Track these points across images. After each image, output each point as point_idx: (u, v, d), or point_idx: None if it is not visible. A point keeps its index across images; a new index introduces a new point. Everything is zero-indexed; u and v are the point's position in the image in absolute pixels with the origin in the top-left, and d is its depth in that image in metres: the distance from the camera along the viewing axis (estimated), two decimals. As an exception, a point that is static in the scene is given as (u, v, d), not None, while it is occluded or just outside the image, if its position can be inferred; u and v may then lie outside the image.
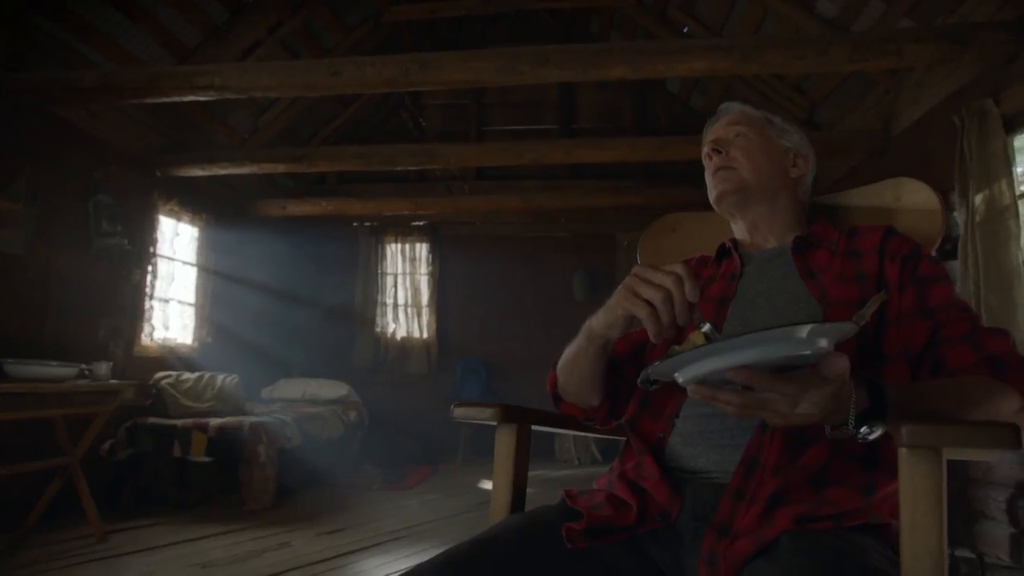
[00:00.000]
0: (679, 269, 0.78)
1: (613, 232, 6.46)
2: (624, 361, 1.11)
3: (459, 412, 1.08)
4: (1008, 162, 2.83)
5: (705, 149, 1.15)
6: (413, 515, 3.78)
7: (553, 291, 6.50)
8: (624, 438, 1.14)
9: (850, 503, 0.81)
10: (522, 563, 0.86)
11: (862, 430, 0.73)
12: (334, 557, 2.93)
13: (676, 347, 0.75)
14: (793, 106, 5.02)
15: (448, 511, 3.91)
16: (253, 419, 4.00)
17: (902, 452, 0.72)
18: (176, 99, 3.14)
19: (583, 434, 1.28)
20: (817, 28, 4.02)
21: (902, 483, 0.72)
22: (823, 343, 0.68)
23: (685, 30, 5.22)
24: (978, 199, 2.88)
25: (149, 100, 3.15)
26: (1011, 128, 2.88)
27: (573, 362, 1.00)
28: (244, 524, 3.48)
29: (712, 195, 1.14)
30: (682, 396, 0.99)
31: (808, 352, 0.68)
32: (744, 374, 0.68)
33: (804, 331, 0.66)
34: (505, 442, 1.08)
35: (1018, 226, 2.79)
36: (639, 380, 0.84)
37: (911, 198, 1.25)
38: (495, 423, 1.06)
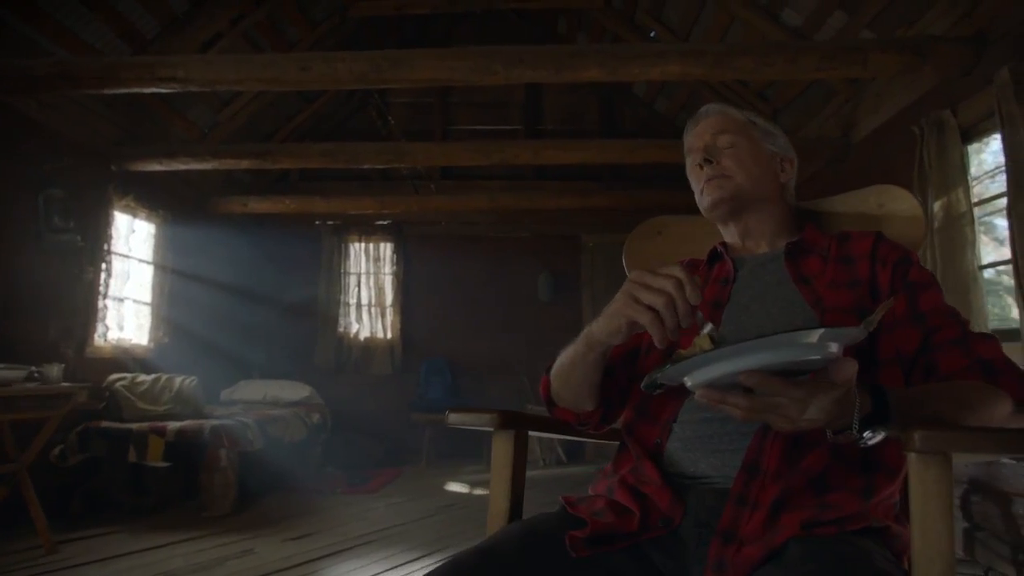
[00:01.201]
0: (678, 272, 0.77)
1: (578, 234, 6.50)
2: (617, 365, 1.09)
3: (454, 418, 1.05)
4: (964, 171, 2.94)
5: (695, 159, 1.13)
6: (380, 519, 3.72)
7: (518, 292, 6.50)
8: (615, 441, 1.14)
9: (851, 507, 0.82)
10: (526, 573, 0.84)
11: (865, 434, 0.74)
12: (301, 564, 2.86)
13: (681, 351, 0.74)
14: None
15: (416, 514, 3.87)
16: (214, 422, 3.88)
17: (912, 457, 0.73)
18: (136, 90, 3.02)
19: (561, 437, 1.26)
20: (782, 36, 4.12)
21: (912, 487, 0.73)
22: (833, 348, 0.68)
23: (652, 35, 5.28)
24: (936, 206, 2.98)
25: (107, 91, 3.01)
26: (967, 139, 3.00)
27: (570, 368, 0.98)
28: (204, 531, 3.37)
29: (704, 203, 1.13)
30: (679, 401, 0.98)
31: (818, 357, 0.69)
32: (756, 378, 0.68)
33: (816, 336, 0.66)
34: (503, 449, 1.06)
35: (973, 232, 2.90)
36: (643, 384, 0.82)
37: (894, 205, 1.28)
38: (492, 429, 1.04)
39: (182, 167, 4.28)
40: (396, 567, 2.82)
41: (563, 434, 1.16)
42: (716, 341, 0.73)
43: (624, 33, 5.42)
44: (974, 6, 2.93)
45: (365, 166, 4.87)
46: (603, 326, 0.87)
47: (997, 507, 2.77)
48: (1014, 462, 2.57)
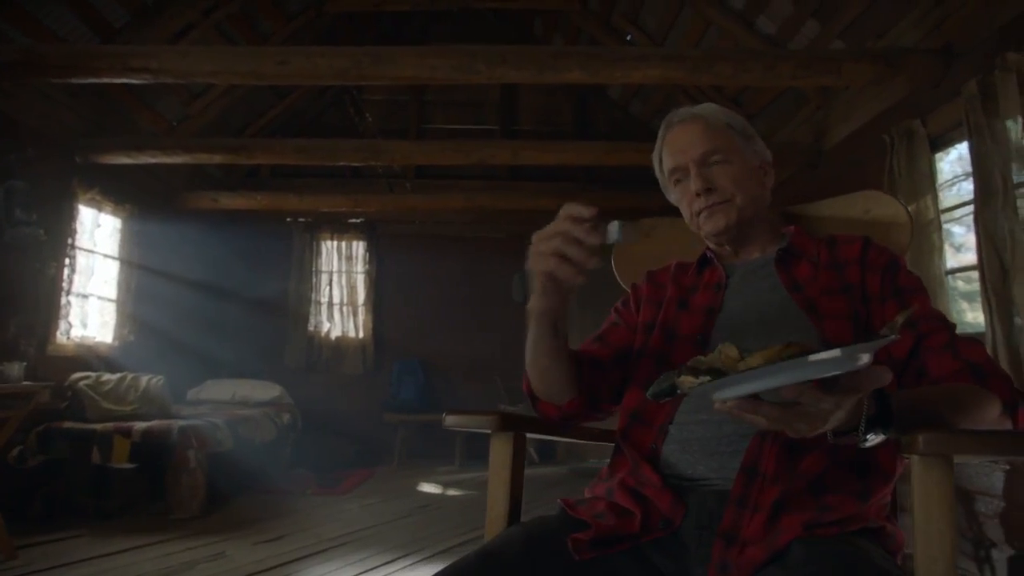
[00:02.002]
0: (565, 210, 0.82)
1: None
2: (607, 360, 1.10)
3: (452, 420, 1.03)
4: (933, 179, 3.03)
5: (682, 179, 1.10)
6: (354, 520, 3.68)
7: (492, 293, 6.47)
8: (600, 442, 1.14)
9: (849, 509, 0.84)
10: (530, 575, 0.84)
11: (868, 437, 0.75)
12: (274, 567, 2.81)
13: (701, 358, 0.73)
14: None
15: (389, 515, 3.83)
16: (182, 422, 3.78)
17: (914, 460, 0.75)
18: (107, 80, 2.92)
19: (560, 439, 1.26)
20: (757, 43, 4.19)
21: (915, 489, 0.74)
22: (867, 359, 0.69)
23: (628, 38, 5.32)
24: (906, 213, 3.06)
25: (76, 80, 2.91)
26: (935, 148, 3.09)
27: (533, 351, 1.00)
28: (172, 534, 3.29)
29: (706, 228, 1.10)
30: (674, 405, 0.99)
31: (854, 367, 0.69)
32: (799, 391, 0.68)
33: (866, 351, 0.66)
34: (501, 451, 1.04)
35: (941, 239, 2.99)
36: (651, 393, 0.82)
37: (880, 211, 1.31)
38: (490, 431, 1.03)
39: (151, 160, 4.17)
40: (372, 569, 2.79)
41: (560, 435, 1.15)
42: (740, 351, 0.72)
43: (600, 35, 5.45)
44: (942, 20, 3.02)
45: (341, 163, 4.81)
46: (533, 295, 0.92)
47: (960, 505, 2.86)
48: (976, 462, 2.67)
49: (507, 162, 4.53)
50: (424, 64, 2.87)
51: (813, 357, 0.63)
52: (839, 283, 1.02)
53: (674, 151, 1.10)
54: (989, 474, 2.72)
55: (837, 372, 0.67)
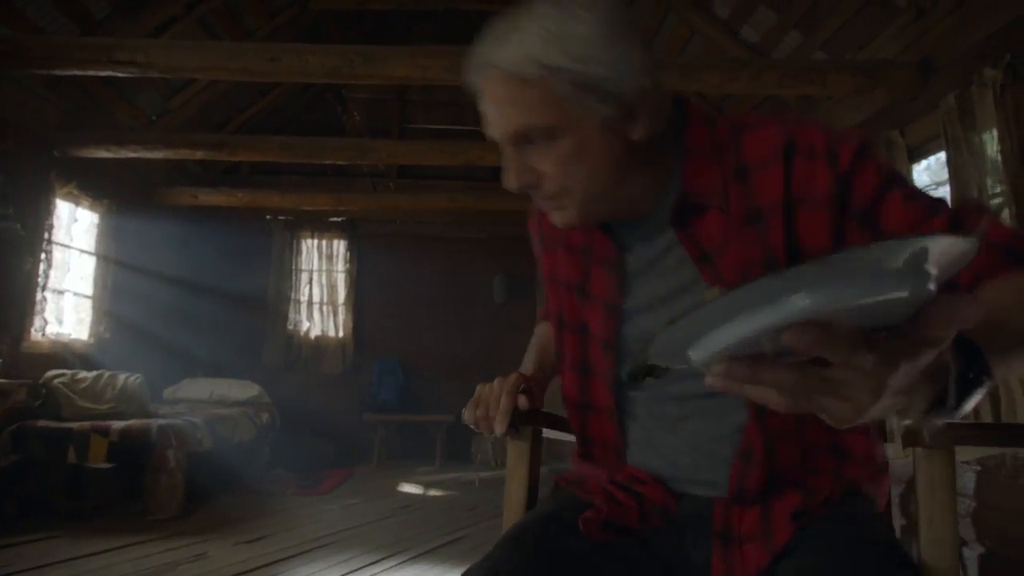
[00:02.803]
0: (499, 385, 0.96)
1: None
2: None
3: (469, 415, 1.03)
4: (909, 188, 3.12)
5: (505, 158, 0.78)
6: (335, 521, 3.66)
7: (473, 293, 6.49)
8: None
9: (828, 487, 0.80)
10: (553, 560, 0.81)
11: (964, 405, 0.48)
12: (258, 568, 2.78)
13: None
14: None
15: (371, 516, 3.81)
16: (161, 421, 3.72)
17: (918, 452, 0.78)
18: (91, 73, 2.87)
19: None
20: (740, 52, 4.27)
21: (919, 481, 0.78)
22: (931, 279, 0.39)
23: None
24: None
25: (60, 72, 2.86)
26: (913, 158, 3.19)
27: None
28: (151, 535, 3.24)
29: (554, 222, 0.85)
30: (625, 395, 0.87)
31: (906, 294, 0.39)
32: (812, 334, 0.39)
33: (911, 251, 0.38)
34: (519, 447, 1.06)
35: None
36: (626, 373, 0.76)
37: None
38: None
39: (131, 155, 4.10)
40: (356, 570, 2.78)
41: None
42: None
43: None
44: (921, 35, 3.12)
45: (327, 161, 4.78)
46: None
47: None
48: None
49: (494, 163, 4.54)
50: (416, 64, 2.88)
51: (815, 268, 0.38)
52: (759, 252, 0.76)
53: (486, 119, 0.77)
54: (961, 474, 2.81)
55: (866, 299, 0.38)
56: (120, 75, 2.89)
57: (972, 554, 2.83)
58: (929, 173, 3.45)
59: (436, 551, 3.10)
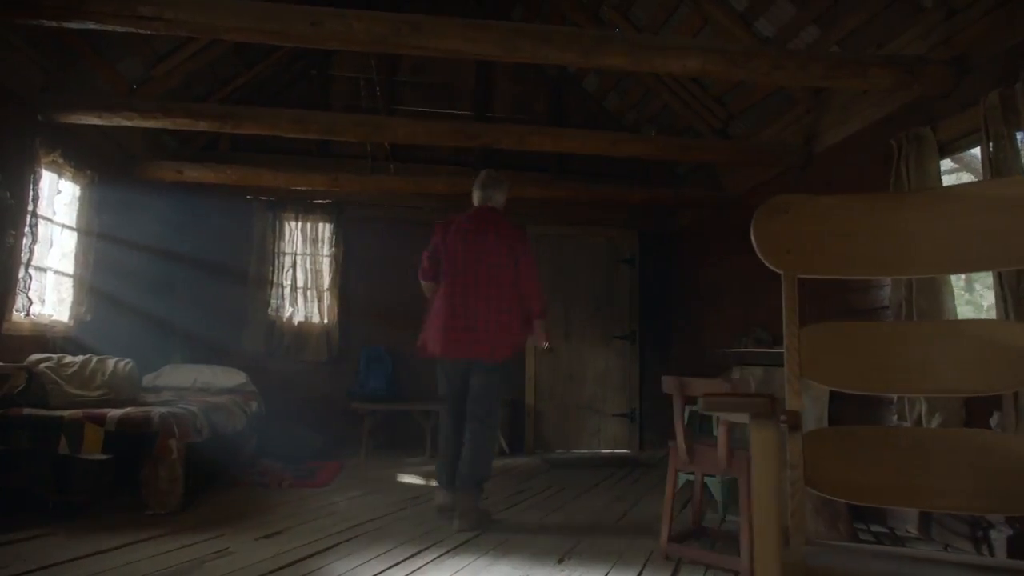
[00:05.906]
0: None
1: (523, 224, 6.42)
2: None
3: (710, 402, 0.94)
4: (939, 183, 3.20)
5: None
6: (349, 514, 3.50)
7: (461, 280, 6.34)
8: None
9: None
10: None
11: None
12: (291, 564, 2.63)
13: None
14: (711, 116, 5.32)
15: (386, 508, 3.68)
16: (162, 409, 3.47)
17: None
18: (111, 28, 2.60)
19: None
20: (753, 44, 4.29)
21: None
22: None
23: (617, 31, 5.33)
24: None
25: (73, 24, 2.57)
26: (942, 154, 3.27)
27: None
28: (159, 531, 3.02)
29: None
30: None
31: None
32: None
33: None
34: (767, 443, 0.90)
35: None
36: None
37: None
38: (749, 418, 0.95)
39: (125, 123, 3.78)
40: (397, 563, 2.67)
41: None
42: None
43: (585, 26, 5.44)
44: (952, 34, 3.19)
45: (342, 139, 4.55)
46: None
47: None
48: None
49: (513, 147, 4.43)
50: (466, 37, 2.74)
51: None
52: None
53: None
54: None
55: None
56: (142, 31, 2.63)
57: (1000, 536, 2.95)
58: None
59: (471, 543, 3.01)
